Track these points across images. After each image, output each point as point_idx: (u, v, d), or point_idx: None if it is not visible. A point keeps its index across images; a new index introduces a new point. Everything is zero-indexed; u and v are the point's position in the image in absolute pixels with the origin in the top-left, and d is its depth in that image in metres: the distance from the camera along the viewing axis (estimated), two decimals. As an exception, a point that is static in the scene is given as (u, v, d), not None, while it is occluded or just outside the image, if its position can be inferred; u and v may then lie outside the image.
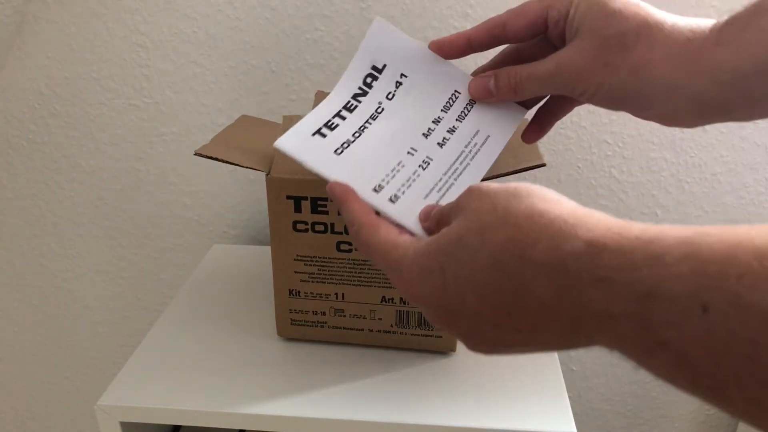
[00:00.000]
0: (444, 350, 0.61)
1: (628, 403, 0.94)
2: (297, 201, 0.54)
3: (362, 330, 0.60)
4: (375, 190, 0.41)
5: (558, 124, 0.49)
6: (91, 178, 0.85)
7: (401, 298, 0.58)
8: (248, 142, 0.60)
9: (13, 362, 1.01)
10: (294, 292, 0.59)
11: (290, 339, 0.62)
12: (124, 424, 0.55)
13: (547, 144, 0.78)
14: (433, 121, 0.45)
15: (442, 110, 0.46)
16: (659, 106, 0.39)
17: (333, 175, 0.41)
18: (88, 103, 0.80)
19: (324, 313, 0.60)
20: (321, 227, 0.55)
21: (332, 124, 0.44)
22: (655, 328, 0.22)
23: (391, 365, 0.59)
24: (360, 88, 0.46)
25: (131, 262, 0.90)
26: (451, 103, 0.46)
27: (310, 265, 0.57)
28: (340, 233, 0.55)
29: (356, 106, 0.45)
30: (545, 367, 0.59)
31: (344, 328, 0.60)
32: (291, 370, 0.58)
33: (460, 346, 0.61)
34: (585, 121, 0.76)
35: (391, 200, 0.41)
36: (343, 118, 0.44)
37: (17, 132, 0.83)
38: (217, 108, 0.79)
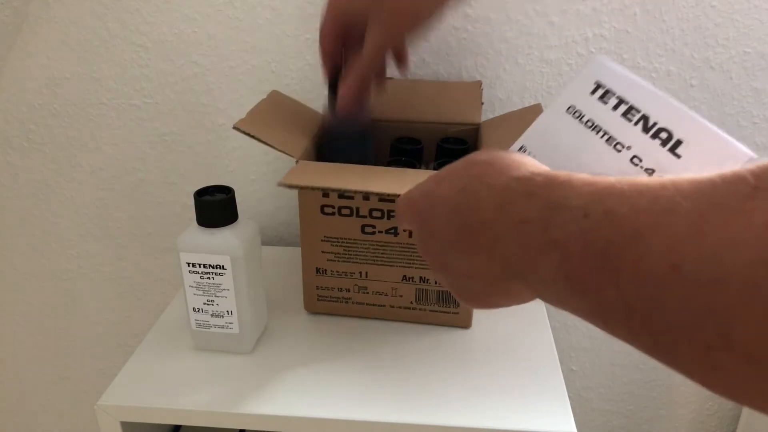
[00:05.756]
0: (460, 325, 0.64)
1: (628, 403, 0.94)
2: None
3: (383, 306, 0.64)
4: None
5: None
6: (91, 178, 0.85)
7: (421, 277, 0.62)
8: (281, 123, 0.63)
9: (13, 362, 1.01)
10: (321, 270, 0.63)
11: (312, 313, 0.62)
12: (124, 424, 0.55)
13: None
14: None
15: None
16: None
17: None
18: (88, 103, 0.80)
19: (348, 290, 0.64)
20: (347, 211, 0.59)
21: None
22: (550, 230, 0.28)
23: (390, 363, 0.59)
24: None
25: (131, 262, 0.90)
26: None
27: (336, 245, 0.61)
28: (365, 217, 0.59)
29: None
30: (545, 367, 0.59)
31: (367, 303, 0.64)
32: (284, 374, 0.59)
33: (475, 323, 0.65)
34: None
35: None
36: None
37: (17, 132, 0.83)
38: (217, 108, 0.79)
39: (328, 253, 0.62)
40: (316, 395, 0.55)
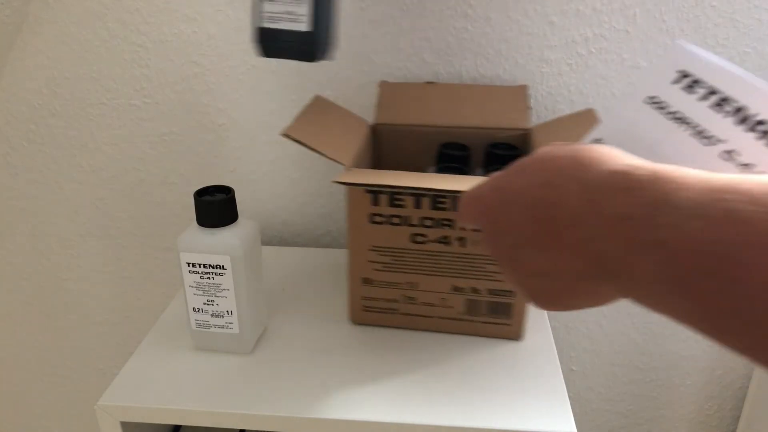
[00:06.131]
0: (512, 337, 0.63)
1: (628, 403, 0.95)
2: (375, 194, 0.57)
3: (432, 317, 0.63)
4: None
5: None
6: (91, 178, 0.85)
7: (472, 288, 0.60)
8: (328, 129, 0.62)
9: (13, 362, 1.01)
10: (367, 281, 0.62)
11: (359, 324, 0.62)
12: (124, 424, 0.55)
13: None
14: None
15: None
16: None
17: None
18: (88, 103, 0.80)
19: (396, 301, 0.62)
20: (397, 220, 0.58)
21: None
22: (654, 228, 0.26)
23: (389, 364, 0.59)
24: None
25: (131, 262, 0.90)
26: None
27: (385, 255, 0.60)
28: (415, 225, 0.58)
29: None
30: (545, 367, 0.59)
31: (414, 314, 0.63)
32: (284, 374, 0.59)
33: (528, 333, 0.64)
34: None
35: None
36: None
37: (17, 132, 0.83)
38: (218, 108, 0.79)
39: (376, 262, 0.61)
40: (316, 395, 0.55)
